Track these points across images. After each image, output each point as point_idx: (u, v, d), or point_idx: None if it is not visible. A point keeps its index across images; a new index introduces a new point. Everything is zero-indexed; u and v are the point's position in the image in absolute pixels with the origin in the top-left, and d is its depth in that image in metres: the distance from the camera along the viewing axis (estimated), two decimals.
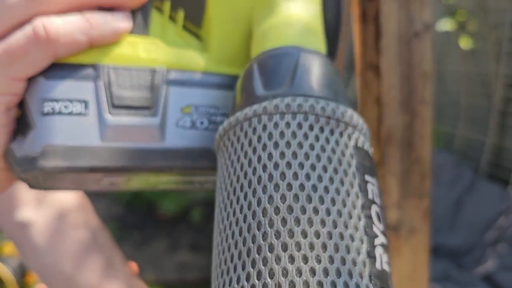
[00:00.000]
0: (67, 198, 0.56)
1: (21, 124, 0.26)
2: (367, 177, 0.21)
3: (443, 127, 2.98)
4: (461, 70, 2.77)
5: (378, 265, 0.19)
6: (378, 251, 0.19)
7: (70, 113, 0.25)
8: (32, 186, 0.27)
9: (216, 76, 0.28)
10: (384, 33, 0.35)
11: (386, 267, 0.19)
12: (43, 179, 0.26)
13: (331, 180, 0.20)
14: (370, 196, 0.20)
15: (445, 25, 2.59)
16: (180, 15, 0.28)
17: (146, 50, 0.26)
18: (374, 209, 0.20)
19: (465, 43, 2.63)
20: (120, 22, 0.26)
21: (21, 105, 0.26)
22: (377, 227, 0.20)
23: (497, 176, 2.84)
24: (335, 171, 0.20)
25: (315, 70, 0.23)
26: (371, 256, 0.19)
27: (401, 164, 0.38)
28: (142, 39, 0.26)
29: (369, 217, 0.20)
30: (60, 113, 0.25)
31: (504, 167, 2.84)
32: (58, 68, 0.25)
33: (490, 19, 2.64)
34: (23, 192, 0.58)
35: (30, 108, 0.25)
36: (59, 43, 0.24)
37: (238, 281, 0.18)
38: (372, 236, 0.19)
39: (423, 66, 0.37)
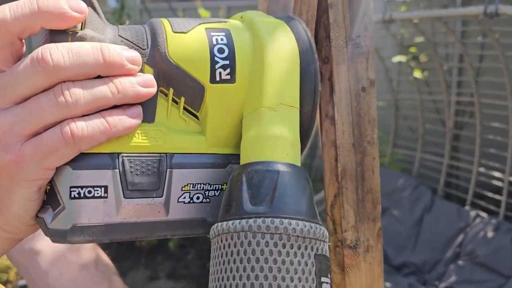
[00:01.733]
0: None
1: (50, 198, 0.30)
2: (323, 279, 0.28)
3: (402, 151, 3.10)
4: (416, 98, 2.91)
5: None
6: None
7: (93, 197, 0.29)
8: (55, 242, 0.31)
9: (211, 156, 0.32)
10: (336, 90, 0.43)
11: None
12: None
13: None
14: None
15: (400, 58, 2.74)
16: (182, 100, 0.31)
17: (153, 138, 0.30)
18: None
19: (418, 73, 2.78)
20: (133, 118, 0.30)
21: (50, 182, 0.29)
22: None
23: (453, 195, 2.97)
24: (299, 279, 0.27)
25: (290, 191, 0.28)
26: None
27: (356, 194, 0.45)
28: (150, 127, 0.30)
29: None
30: (84, 197, 0.29)
31: (460, 187, 2.97)
32: (82, 158, 0.28)
33: (440, 52, 2.81)
34: None
35: (59, 191, 0.29)
36: (83, 143, 0.28)
37: None
38: None
39: (370, 114, 0.45)
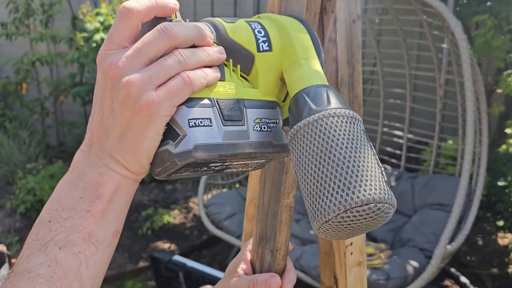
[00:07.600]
0: None
1: (168, 134, 0.39)
2: (370, 143, 0.41)
3: None
4: None
5: (385, 178, 0.40)
6: (383, 171, 0.40)
7: (203, 125, 0.40)
8: (159, 175, 0.41)
9: (265, 101, 0.46)
10: (338, 20, 0.58)
11: (387, 180, 0.40)
12: (173, 173, 0.41)
13: (363, 145, 0.40)
14: (373, 150, 0.41)
15: None
16: (238, 68, 0.45)
17: (229, 89, 0.43)
18: (376, 155, 0.41)
19: None
20: (217, 74, 0.42)
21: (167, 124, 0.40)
22: (379, 162, 0.41)
23: None
24: (363, 141, 0.40)
25: (335, 95, 0.42)
26: (382, 173, 0.40)
27: (348, 98, 0.61)
28: (224, 83, 0.43)
29: (376, 158, 0.40)
30: (198, 125, 0.39)
31: None
32: (191, 100, 0.40)
33: None
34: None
35: (180, 124, 0.39)
36: (194, 85, 0.39)
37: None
38: (380, 165, 0.40)
39: (358, 40, 0.60)
